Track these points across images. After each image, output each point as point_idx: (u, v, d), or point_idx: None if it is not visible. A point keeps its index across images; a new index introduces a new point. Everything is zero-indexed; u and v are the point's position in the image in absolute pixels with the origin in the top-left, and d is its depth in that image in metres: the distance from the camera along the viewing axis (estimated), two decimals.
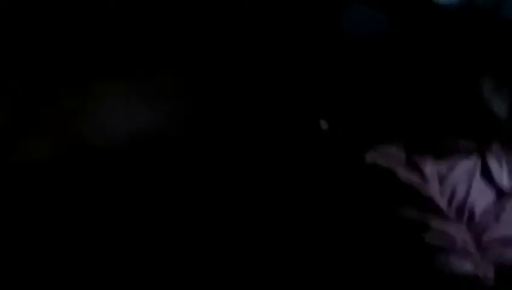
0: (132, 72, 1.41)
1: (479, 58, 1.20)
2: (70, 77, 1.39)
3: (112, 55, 1.41)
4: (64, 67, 1.39)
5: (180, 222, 1.30)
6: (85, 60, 1.40)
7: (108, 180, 1.33)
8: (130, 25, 1.42)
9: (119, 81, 1.40)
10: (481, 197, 1.08)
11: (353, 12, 1.37)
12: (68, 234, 1.29)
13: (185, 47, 1.43)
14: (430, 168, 1.11)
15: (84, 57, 1.40)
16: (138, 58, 1.42)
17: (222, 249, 1.28)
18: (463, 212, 1.06)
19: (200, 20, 1.44)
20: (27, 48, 1.40)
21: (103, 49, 1.41)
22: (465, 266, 0.99)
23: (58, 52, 1.40)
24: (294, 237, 1.24)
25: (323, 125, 1.32)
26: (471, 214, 1.06)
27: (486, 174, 1.11)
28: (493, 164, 1.11)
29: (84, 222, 1.30)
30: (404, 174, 1.10)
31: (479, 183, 1.09)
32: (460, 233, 1.02)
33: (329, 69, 1.36)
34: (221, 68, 1.42)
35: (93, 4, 1.42)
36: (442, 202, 1.07)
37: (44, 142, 1.35)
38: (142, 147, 1.35)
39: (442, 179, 1.10)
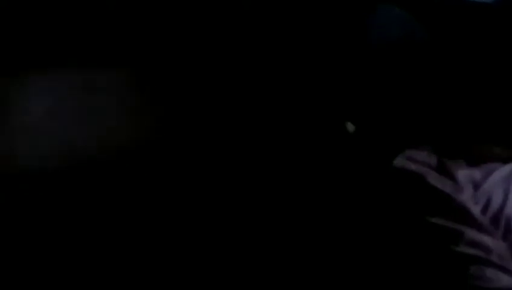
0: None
1: None
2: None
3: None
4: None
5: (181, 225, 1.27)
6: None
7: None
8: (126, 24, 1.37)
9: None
10: None
11: (381, 13, 1.32)
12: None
13: (185, 50, 1.39)
14: (463, 174, 1.05)
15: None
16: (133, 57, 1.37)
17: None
18: (499, 221, 1.00)
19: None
20: None
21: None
22: (503, 280, 0.93)
23: None
24: (317, 241, 1.20)
25: (350, 127, 1.27)
26: (508, 224, 1.00)
27: None
28: None
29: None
30: (436, 180, 1.04)
31: None
32: (496, 244, 0.96)
33: (356, 70, 1.31)
34: (236, 73, 1.39)
35: None
36: (476, 211, 1.01)
37: None
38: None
39: (476, 186, 1.04)
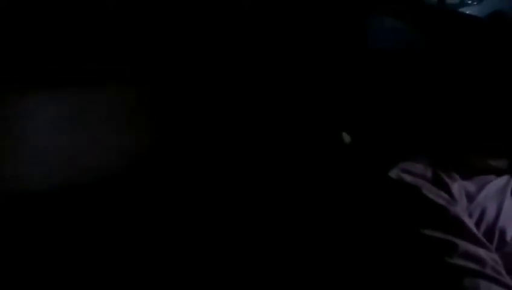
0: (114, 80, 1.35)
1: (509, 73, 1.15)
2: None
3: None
4: None
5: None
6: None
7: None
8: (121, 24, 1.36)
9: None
10: None
11: (378, 24, 1.33)
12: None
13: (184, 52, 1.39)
14: (458, 186, 1.06)
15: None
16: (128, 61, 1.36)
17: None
18: (492, 234, 1.01)
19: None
20: None
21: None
22: None
23: None
24: (313, 251, 1.20)
25: (346, 138, 1.28)
26: (501, 237, 1.01)
27: None
28: None
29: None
30: (431, 192, 1.04)
31: (510, 204, 1.04)
32: (490, 256, 0.96)
33: (352, 80, 1.32)
34: (232, 78, 1.39)
35: None
36: (470, 223, 1.01)
37: None
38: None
39: (470, 199, 1.05)
